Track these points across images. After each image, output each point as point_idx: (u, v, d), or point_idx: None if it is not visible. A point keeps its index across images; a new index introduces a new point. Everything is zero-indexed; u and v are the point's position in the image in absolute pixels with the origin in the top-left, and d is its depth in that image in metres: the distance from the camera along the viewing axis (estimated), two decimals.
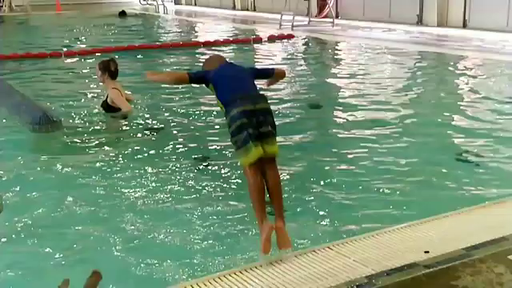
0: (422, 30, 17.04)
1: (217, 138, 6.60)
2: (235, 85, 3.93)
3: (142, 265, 3.85)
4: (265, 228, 3.53)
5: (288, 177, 5.30)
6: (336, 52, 14.61)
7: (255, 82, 4.09)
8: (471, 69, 11.10)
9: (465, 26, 17.13)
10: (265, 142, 3.69)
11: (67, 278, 2.84)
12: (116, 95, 7.65)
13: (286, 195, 4.53)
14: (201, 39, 16.94)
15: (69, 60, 12.95)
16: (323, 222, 4.44)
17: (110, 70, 7.66)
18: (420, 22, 18.31)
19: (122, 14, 25.48)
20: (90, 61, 12.32)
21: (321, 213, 4.60)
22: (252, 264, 3.44)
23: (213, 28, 20.55)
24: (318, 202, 4.82)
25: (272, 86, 5.26)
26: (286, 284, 3.14)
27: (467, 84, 9.79)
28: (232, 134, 3.75)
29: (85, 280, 2.83)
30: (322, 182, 5.25)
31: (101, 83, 8.03)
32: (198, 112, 7.89)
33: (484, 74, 10.46)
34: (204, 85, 4.11)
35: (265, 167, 3.71)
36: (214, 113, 7.57)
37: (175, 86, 8.49)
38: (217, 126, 7.08)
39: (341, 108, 8.13)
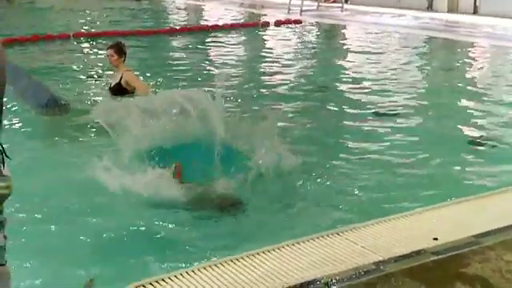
0: (432, 15, 16.89)
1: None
2: None
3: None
4: None
5: (295, 162, 5.25)
6: (344, 37, 14.52)
7: None
8: (481, 55, 11.04)
9: (475, 12, 16.96)
10: None
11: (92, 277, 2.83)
12: (133, 77, 7.49)
13: (294, 181, 4.53)
14: (209, 23, 16.83)
15: (78, 42, 12.90)
16: (331, 208, 4.42)
17: (125, 53, 7.56)
18: (430, 7, 18.15)
19: None
20: (99, 43, 12.27)
21: (328, 199, 4.58)
22: (259, 250, 3.41)
23: (221, 12, 20.40)
24: (325, 187, 4.81)
25: (279, 73, 5.19)
26: (294, 269, 3.12)
27: (477, 70, 9.75)
28: None
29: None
30: (330, 169, 5.23)
31: (111, 65, 7.87)
32: None
33: (494, 61, 10.40)
34: None
35: None
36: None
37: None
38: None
39: (349, 93, 8.11)
